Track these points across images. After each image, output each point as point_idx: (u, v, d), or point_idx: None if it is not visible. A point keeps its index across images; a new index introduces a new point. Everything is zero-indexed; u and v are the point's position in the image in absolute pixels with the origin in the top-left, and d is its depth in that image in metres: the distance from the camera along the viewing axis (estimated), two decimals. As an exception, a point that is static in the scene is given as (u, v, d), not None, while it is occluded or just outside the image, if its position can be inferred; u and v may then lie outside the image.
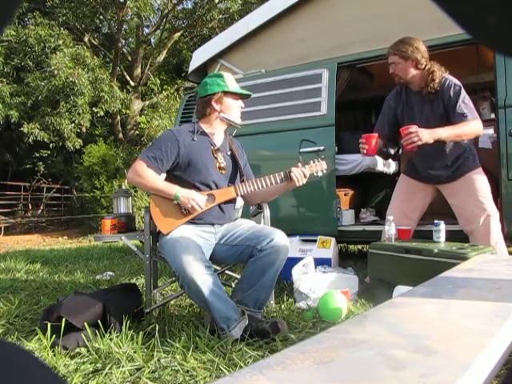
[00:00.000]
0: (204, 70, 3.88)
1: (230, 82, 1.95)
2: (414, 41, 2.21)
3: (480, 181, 2.22)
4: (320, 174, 2.03)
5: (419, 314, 0.78)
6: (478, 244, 2.11)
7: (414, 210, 2.40)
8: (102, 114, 10.31)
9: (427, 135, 2.05)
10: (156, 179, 1.86)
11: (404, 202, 2.41)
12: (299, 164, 1.97)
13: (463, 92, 2.16)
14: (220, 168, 1.95)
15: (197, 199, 1.83)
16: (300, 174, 1.92)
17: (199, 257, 1.67)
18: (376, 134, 2.27)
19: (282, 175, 1.95)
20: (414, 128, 2.06)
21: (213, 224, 1.92)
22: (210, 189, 1.91)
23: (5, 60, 9.91)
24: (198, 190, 1.89)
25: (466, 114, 2.10)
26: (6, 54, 10.03)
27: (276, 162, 3.02)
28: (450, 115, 2.16)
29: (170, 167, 1.90)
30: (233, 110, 1.97)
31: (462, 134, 2.10)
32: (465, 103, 2.13)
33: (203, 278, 1.61)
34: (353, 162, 3.23)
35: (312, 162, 2.02)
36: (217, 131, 2.00)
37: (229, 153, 2.03)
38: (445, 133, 2.08)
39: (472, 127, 2.10)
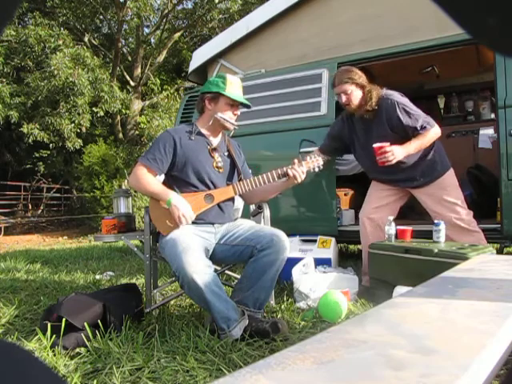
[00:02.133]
0: (204, 70, 3.87)
1: (230, 87, 1.91)
2: (354, 68, 2.34)
3: (450, 184, 2.29)
4: (316, 169, 2.03)
5: (419, 314, 0.78)
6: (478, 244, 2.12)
7: (390, 212, 2.40)
8: (102, 114, 10.30)
9: (401, 153, 2.16)
10: (153, 183, 1.86)
11: (375, 203, 2.43)
12: (295, 160, 1.95)
13: (409, 105, 2.24)
14: (217, 167, 1.95)
15: (185, 213, 1.78)
16: (298, 171, 1.92)
17: (200, 256, 1.67)
18: None
19: (280, 172, 1.95)
20: (388, 147, 2.14)
21: (213, 223, 1.92)
22: (208, 188, 1.91)
23: (5, 60, 9.90)
24: (196, 188, 1.89)
25: (425, 125, 2.22)
26: (6, 54, 10.01)
27: (276, 162, 3.01)
28: (409, 132, 2.24)
29: (168, 167, 1.91)
30: (225, 113, 1.94)
31: (425, 143, 2.24)
32: (417, 116, 2.22)
33: (203, 278, 1.61)
34: (353, 162, 3.23)
35: (308, 157, 2.03)
36: (213, 131, 2.00)
37: (226, 153, 2.03)
38: (412, 147, 2.20)
39: (433, 134, 2.24)
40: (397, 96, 2.27)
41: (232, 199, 2.02)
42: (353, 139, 2.47)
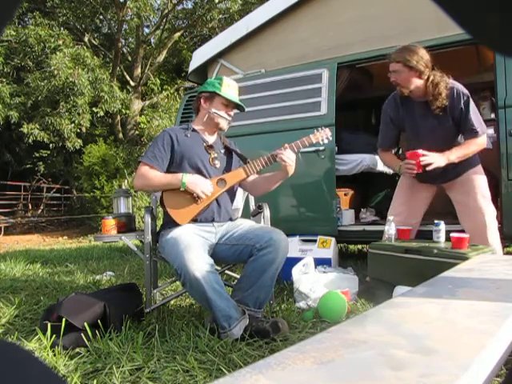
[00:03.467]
0: (204, 70, 3.88)
1: (226, 88, 1.97)
2: (419, 49, 2.12)
3: (480, 179, 2.25)
4: (326, 141, 2.03)
5: (419, 314, 0.78)
6: (477, 244, 2.12)
7: (416, 211, 2.40)
8: (101, 114, 10.31)
9: (441, 161, 2.09)
10: (161, 175, 1.90)
11: (407, 202, 2.40)
12: (286, 145, 1.92)
13: (471, 101, 2.14)
14: (214, 163, 1.97)
15: (203, 185, 1.85)
16: (286, 155, 1.88)
17: (201, 254, 1.67)
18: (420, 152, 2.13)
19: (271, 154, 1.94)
20: (422, 156, 2.07)
21: (213, 222, 1.92)
22: None
23: (5, 60, 9.90)
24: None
25: (477, 129, 2.12)
26: (6, 54, 10.02)
27: (276, 162, 3.01)
28: (461, 128, 2.17)
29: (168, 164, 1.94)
30: (219, 111, 1.98)
31: (469, 153, 2.15)
32: (475, 115, 2.13)
33: (205, 275, 1.61)
34: (353, 162, 3.23)
35: (316, 130, 2.03)
36: (208, 129, 2.04)
37: (223, 150, 2.07)
38: (453, 157, 2.12)
39: (478, 144, 2.15)
40: (462, 87, 2.16)
41: (231, 197, 2.04)
42: (405, 124, 2.31)
